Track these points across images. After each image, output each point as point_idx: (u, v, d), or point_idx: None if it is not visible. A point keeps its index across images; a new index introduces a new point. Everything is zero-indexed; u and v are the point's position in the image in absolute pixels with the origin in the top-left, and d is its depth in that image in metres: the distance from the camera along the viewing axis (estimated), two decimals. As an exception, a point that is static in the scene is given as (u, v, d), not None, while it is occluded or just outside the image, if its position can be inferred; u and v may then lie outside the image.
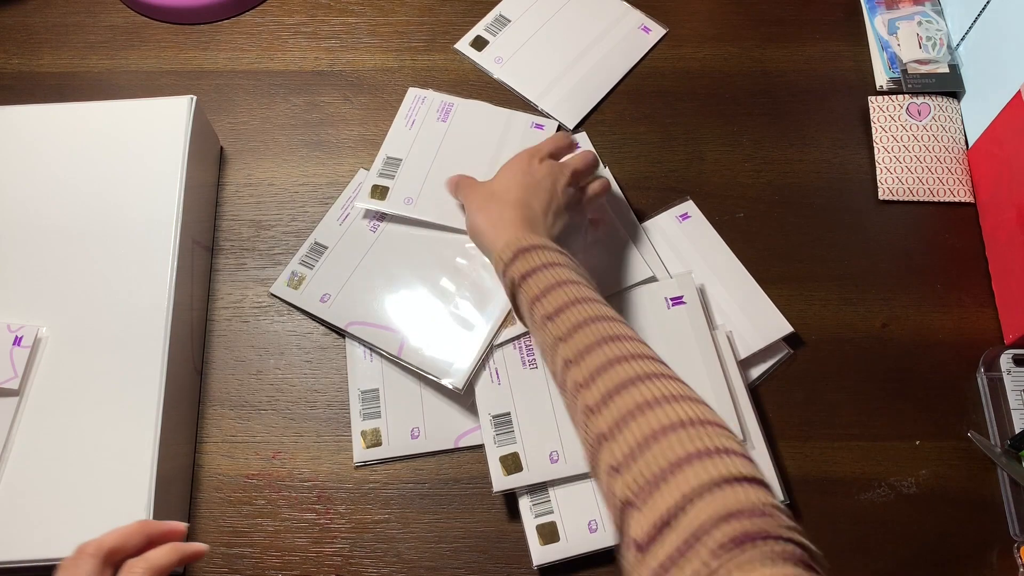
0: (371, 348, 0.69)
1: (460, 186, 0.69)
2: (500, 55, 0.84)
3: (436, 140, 0.75)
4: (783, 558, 0.36)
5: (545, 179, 0.63)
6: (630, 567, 0.40)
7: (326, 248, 0.73)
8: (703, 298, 0.70)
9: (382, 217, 0.74)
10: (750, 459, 0.41)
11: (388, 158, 0.75)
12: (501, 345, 0.68)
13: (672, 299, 0.69)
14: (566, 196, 0.64)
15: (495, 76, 0.82)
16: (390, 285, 0.71)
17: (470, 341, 0.67)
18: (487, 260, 0.68)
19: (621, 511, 0.41)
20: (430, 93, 0.78)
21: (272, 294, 0.72)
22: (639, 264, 0.71)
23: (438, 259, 0.72)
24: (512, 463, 0.64)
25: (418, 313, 0.69)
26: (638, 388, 0.45)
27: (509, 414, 0.66)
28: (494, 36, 0.85)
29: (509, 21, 0.86)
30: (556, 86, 0.82)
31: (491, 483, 0.64)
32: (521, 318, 0.58)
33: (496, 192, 0.63)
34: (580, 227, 0.71)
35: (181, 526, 0.50)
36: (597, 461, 0.44)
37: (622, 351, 0.47)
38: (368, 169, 0.76)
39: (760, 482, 0.40)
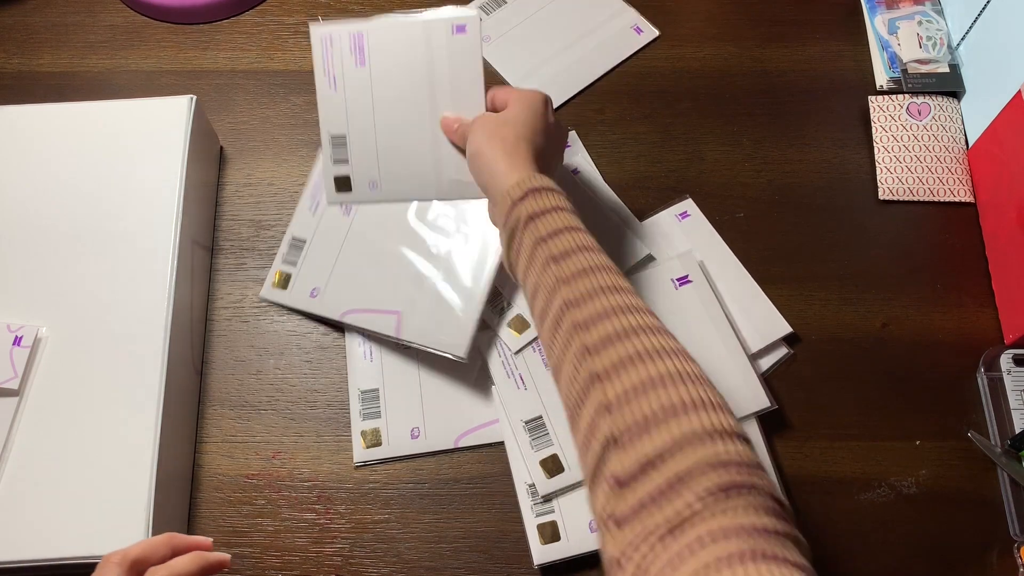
0: (369, 334, 0.69)
1: (459, 131, 0.63)
2: (488, 34, 0.85)
3: (367, 96, 0.65)
4: (767, 511, 0.38)
5: (555, 128, 0.62)
6: (603, 501, 0.41)
7: (304, 242, 0.72)
8: (707, 275, 0.70)
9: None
10: (736, 419, 0.43)
11: (333, 138, 0.66)
12: (520, 351, 0.68)
13: (679, 279, 0.69)
14: (561, 152, 0.65)
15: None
16: (376, 265, 0.69)
17: (465, 307, 0.66)
18: (467, 217, 0.68)
19: (603, 447, 0.42)
20: (334, 29, 0.65)
21: (262, 298, 0.72)
22: (636, 245, 0.72)
23: (418, 226, 0.69)
24: (553, 465, 0.64)
25: (409, 288, 0.68)
26: (639, 338, 0.45)
27: (541, 417, 0.66)
28: (488, 15, 0.86)
29: (505, 3, 0.86)
30: (537, 72, 0.83)
31: (490, 483, 0.64)
32: (510, 260, 0.56)
33: (509, 121, 0.60)
34: None
35: (207, 541, 0.50)
36: (585, 398, 0.45)
37: (626, 303, 0.48)
38: None
39: (747, 440, 0.42)
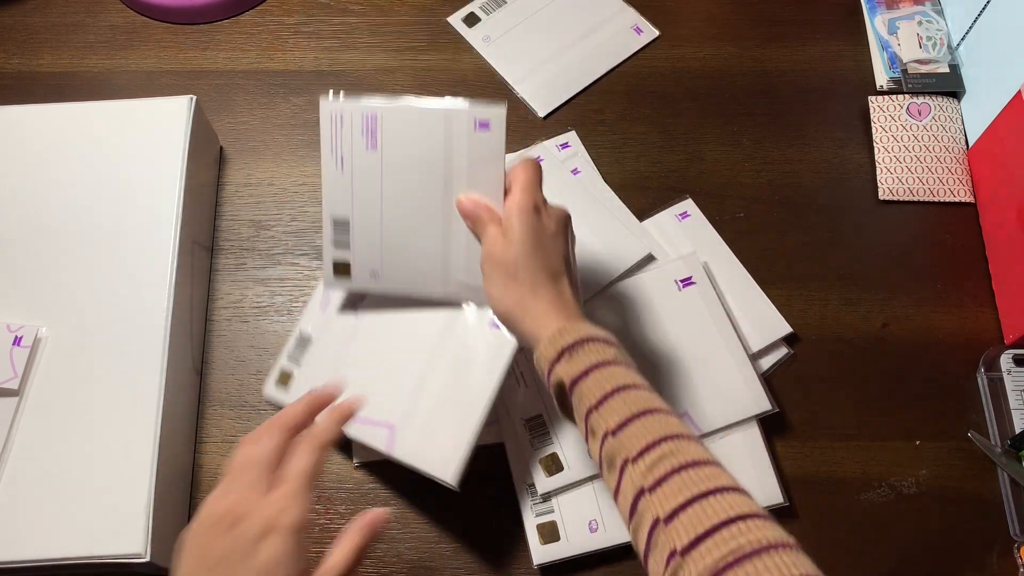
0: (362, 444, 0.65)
1: (478, 223, 0.58)
2: (489, 34, 0.85)
3: (375, 182, 0.61)
4: None
5: (558, 234, 0.56)
6: None
7: (310, 340, 0.66)
8: (711, 276, 0.70)
9: (361, 299, 0.66)
10: None
11: (335, 222, 0.62)
12: (521, 349, 0.68)
13: (682, 281, 0.69)
14: (573, 239, 0.59)
15: (480, 53, 0.83)
16: (376, 370, 0.64)
17: (460, 430, 0.61)
18: (480, 322, 0.63)
19: None
20: (346, 106, 0.59)
21: (266, 397, 0.66)
22: (636, 245, 0.72)
23: (426, 332, 0.64)
24: (552, 464, 0.64)
25: (405, 399, 0.63)
26: (731, 532, 0.40)
27: (541, 416, 0.66)
28: (487, 15, 0.86)
29: (505, 3, 0.87)
30: (537, 72, 0.83)
31: (490, 483, 0.63)
32: (565, 416, 0.53)
33: (518, 267, 0.54)
34: None
35: (336, 389, 0.51)
36: None
37: (706, 484, 0.43)
38: None
39: None
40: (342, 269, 0.63)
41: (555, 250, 0.55)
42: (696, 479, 0.43)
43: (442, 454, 0.60)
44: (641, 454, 0.45)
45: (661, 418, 0.47)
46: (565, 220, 0.58)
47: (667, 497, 0.43)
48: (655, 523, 0.42)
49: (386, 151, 0.60)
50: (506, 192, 0.57)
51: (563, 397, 0.51)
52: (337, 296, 0.67)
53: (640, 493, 0.44)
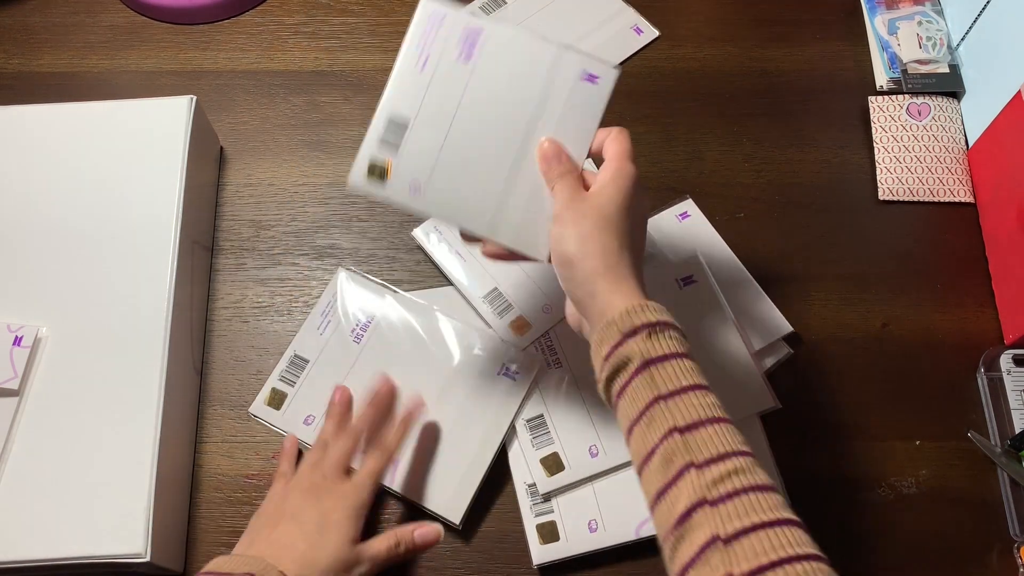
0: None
1: (554, 169, 0.55)
2: None
3: (455, 96, 0.56)
4: None
5: (646, 215, 0.55)
6: None
7: (307, 362, 0.68)
8: (711, 275, 0.70)
9: (364, 328, 0.68)
10: None
11: (391, 119, 0.56)
12: (523, 351, 0.68)
13: (683, 279, 0.69)
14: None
15: None
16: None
17: (467, 472, 0.62)
18: (483, 365, 0.64)
19: None
20: (451, 12, 0.56)
21: (252, 415, 0.68)
22: None
23: (431, 373, 0.66)
24: (553, 463, 0.64)
25: (411, 437, 0.64)
26: (796, 571, 0.39)
27: (542, 416, 0.66)
28: (487, 15, 0.86)
29: (505, 3, 0.87)
30: None
31: (490, 483, 0.63)
32: (607, 394, 0.50)
33: (608, 219, 0.51)
34: None
35: (391, 385, 0.63)
36: None
37: (771, 512, 0.41)
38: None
39: None
40: (378, 172, 0.56)
41: (642, 226, 0.54)
42: (765, 505, 0.41)
43: (448, 494, 0.62)
44: (710, 462, 0.43)
45: (734, 430, 0.45)
46: (651, 204, 0.60)
47: (732, 516, 0.41)
48: (713, 539, 0.40)
49: (479, 67, 0.56)
50: (591, 155, 0.56)
51: (618, 373, 0.48)
52: (338, 321, 0.68)
53: (701, 503, 0.42)
